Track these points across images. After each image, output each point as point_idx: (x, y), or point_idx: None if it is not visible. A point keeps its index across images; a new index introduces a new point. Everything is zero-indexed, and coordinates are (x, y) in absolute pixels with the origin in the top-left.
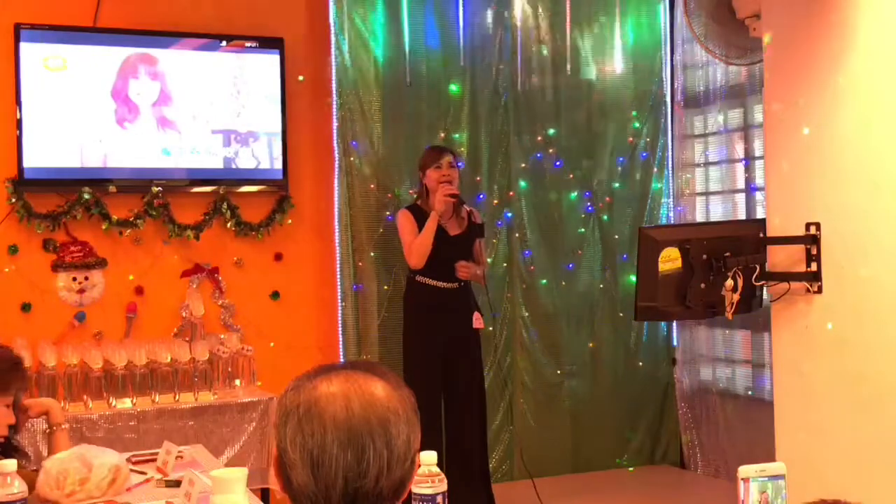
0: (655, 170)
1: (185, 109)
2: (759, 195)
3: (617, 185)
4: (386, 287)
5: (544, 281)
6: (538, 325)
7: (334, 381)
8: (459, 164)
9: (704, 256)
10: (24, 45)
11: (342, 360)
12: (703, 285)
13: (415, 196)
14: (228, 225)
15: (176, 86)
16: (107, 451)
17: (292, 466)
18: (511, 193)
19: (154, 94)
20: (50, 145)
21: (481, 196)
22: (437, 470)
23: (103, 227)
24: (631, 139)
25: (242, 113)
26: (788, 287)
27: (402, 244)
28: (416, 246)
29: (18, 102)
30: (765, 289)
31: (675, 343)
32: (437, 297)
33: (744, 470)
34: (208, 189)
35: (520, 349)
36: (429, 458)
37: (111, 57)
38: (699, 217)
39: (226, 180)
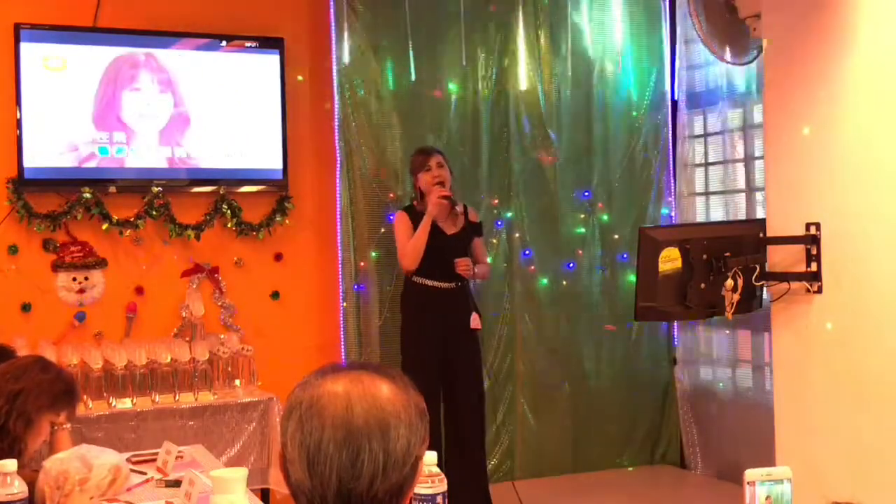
0: (656, 170)
1: (185, 109)
2: (759, 195)
3: (617, 184)
4: (388, 287)
5: (544, 281)
6: (538, 324)
7: (340, 381)
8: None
9: (704, 256)
10: (24, 45)
11: (343, 360)
12: (703, 285)
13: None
14: (229, 225)
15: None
16: (107, 451)
17: (291, 462)
18: (511, 193)
19: (157, 93)
20: (50, 145)
21: (481, 196)
22: (437, 470)
23: (103, 227)
24: (632, 139)
25: (242, 113)
26: (788, 287)
27: (397, 245)
28: (410, 248)
29: (18, 102)
30: (765, 289)
31: (675, 343)
32: (434, 297)
33: (750, 473)
34: (208, 189)
35: (520, 349)
36: (429, 458)
37: (111, 57)
38: (699, 217)
39: (226, 180)
